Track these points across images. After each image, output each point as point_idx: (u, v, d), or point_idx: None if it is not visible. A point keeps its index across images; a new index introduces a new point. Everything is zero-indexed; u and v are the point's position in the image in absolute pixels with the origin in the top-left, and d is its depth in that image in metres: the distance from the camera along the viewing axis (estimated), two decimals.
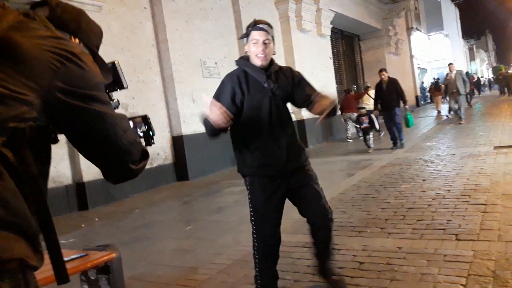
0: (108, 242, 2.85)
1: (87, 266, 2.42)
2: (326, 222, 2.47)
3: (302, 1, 11.77)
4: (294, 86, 2.44)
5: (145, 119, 1.38)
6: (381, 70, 9.20)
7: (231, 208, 5.37)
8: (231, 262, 3.30)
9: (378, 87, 9.10)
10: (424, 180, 5.35)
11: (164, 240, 4.30)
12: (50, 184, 6.88)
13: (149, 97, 8.01)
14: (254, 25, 2.33)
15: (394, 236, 3.37)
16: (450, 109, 14.22)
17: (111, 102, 1.40)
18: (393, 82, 8.99)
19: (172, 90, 8.29)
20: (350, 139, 11.94)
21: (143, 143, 1.35)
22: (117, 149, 1.07)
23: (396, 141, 8.95)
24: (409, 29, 24.69)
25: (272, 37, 2.36)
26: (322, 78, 12.97)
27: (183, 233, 4.53)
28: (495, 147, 7.03)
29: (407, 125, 9.46)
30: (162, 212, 5.71)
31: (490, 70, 67.73)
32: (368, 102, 12.71)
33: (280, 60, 9.37)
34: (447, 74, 13.11)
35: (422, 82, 28.18)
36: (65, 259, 2.51)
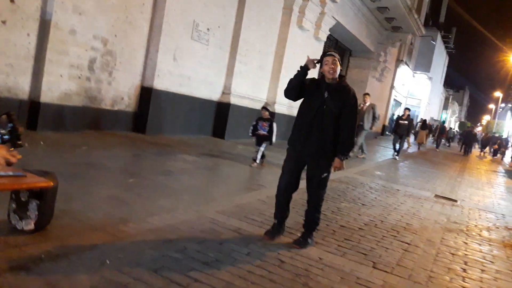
0: (47, 170, 2.81)
1: (21, 186, 2.40)
2: (311, 198, 3.50)
3: None
4: (342, 108, 3.32)
5: (9, 117, 1.10)
6: None
7: (179, 174, 5.40)
8: (162, 225, 3.35)
9: None
10: (363, 204, 5.59)
11: (103, 185, 4.28)
12: (4, 94, 6.55)
13: (132, 40, 7.83)
14: (326, 53, 3.36)
15: (320, 247, 3.54)
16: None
17: None
18: None
19: (157, 41, 8.14)
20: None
21: (10, 146, 1.04)
22: None
23: None
24: (398, 61, 25.27)
25: (339, 59, 3.33)
26: None
27: (124, 184, 4.53)
28: (436, 196, 7.43)
29: None
30: (109, 157, 5.65)
31: (457, 124, 70.63)
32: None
33: (271, 50, 9.37)
34: (360, 105, 11.12)
35: (393, 114, 28.98)
36: (1, 173, 2.47)
